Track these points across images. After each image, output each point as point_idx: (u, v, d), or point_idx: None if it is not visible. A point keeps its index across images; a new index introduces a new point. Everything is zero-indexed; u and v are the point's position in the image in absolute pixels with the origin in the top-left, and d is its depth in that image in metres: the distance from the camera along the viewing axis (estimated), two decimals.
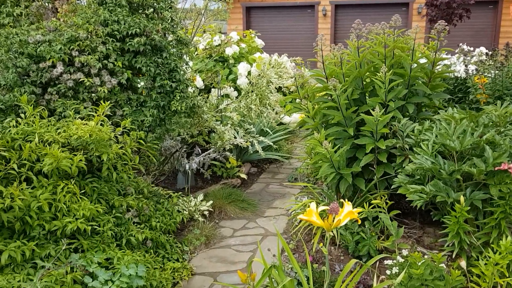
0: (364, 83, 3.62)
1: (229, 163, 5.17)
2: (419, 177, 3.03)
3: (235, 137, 4.52)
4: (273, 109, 4.61)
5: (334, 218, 1.89)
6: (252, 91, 4.49)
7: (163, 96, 3.59)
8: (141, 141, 3.33)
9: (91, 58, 3.25)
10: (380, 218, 3.20)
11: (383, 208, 3.19)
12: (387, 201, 3.39)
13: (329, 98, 3.73)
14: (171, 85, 3.56)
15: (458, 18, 10.65)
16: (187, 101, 3.66)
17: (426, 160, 2.89)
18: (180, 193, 4.03)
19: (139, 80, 3.55)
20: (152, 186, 4.66)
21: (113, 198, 3.01)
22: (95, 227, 2.71)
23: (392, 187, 3.20)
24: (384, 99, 3.37)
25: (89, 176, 3.00)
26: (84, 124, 2.78)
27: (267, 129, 5.50)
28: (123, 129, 3.07)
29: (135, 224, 3.12)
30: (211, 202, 4.21)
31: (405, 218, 3.66)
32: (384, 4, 18.79)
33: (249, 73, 7.01)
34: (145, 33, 3.50)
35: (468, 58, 5.23)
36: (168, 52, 3.64)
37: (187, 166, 4.92)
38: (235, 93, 6.86)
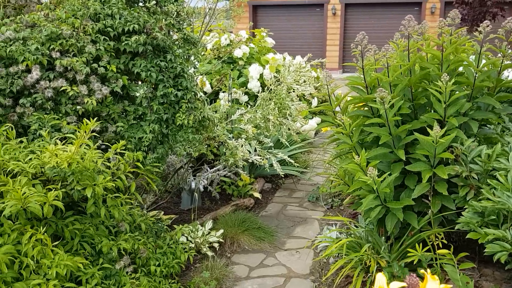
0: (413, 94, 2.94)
1: (241, 180, 4.50)
2: (494, 217, 2.35)
3: (249, 152, 3.86)
4: (294, 120, 3.94)
5: None
6: (269, 99, 3.82)
7: (166, 108, 2.92)
8: (139, 163, 2.67)
9: (77, 61, 2.58)
10: (442, 266, 2.53)
11: (448, 254, 2.51)
12: (443, 240, 2.72)
13: (369, 111, 3.06)
14: (177, 94, 2.90)
15: (492, 18, 9.88)
16: (195, 114, 2.99)
17: (508, 198, 2.22)
18: (186, 224, 3.36)
19: (137, 88, 2.88)
20: (152, 209, 4.01)
21: (100, 241, 2.35)
22: None
23: (455, 228, 2.52)
24: (443, 114, 2.69)
25: (70, 213, 2.33)
26: (62, 150, 2.11)
27: (283, 140, 4.83)
28: (115, 152, 2.40)
29: (129, 273, 2.45)
30: (221, 231, 3.54)
31: (454, 251, 2.98)
32: (396, 3, 18.11)
33: (261, 76, 6.34)
34: (145, 30, 2.83)
35: None
36: (173, 54, 2.97)
37: (193, 185, 4.26)
38: (246, 98, 6.20)
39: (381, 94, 2.57)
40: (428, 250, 2.75)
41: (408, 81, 2.77)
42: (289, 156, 4.99)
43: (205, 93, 5.97)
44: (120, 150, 2.50)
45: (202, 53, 6.06)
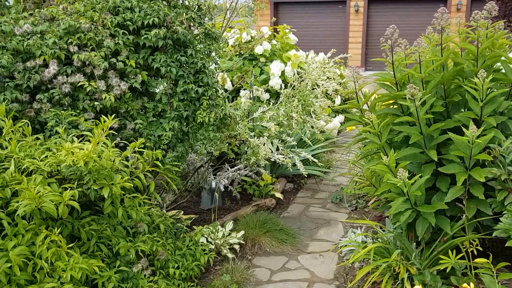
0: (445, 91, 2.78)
1: (262, 179, 4.38)
2: None
3: (271, 151, 3.74)
4: (318, 118, 3.80)
5: None
6: (293, 96, 3.69)
7: (186, 104, 2.82)
8: (158, 162, 2.57)
9: (95, 56, 2.50)
10: (477, 275, 2.37)
11: (486, 264, 2.35)
12: (478, 247, 2.56)
13: (398, 109, 2.91)
14: (197, 91, 2.79)
15: None
16: (216, 111, 2.88)
17: None
18: (206, 225, 3.26)
19: (157, 84, 2.79)
20: (172, 209, 3.93)
21: (118, 242, 2.26)
22: None
23: (493, 234, 2.35)
24: (479, 113, 2.52)
25: (87, 213, 2.25)
26: (79, 148, 2.03)
27: (306, 139, 4.69)
28: (133, 151, 2.31)
29: (147, 276, 2.36)
30: (242, 232, 3.43)
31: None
32: (421, 0, 17.71)
33: (282, 73, 6.21)
34: (165, 24, 2.74)
35: None
36: (194, 49, 2.87)
37: (213, 184, 4.16)
38: (267, 96, 6.07)
39: (411, 90, 2.42)
40: (462, 258, 2.59)
41: (441, 77, 2.61)
42: (312, 156, 4.87)
43: (226, 90, 5.87)
44: (139, 148, 2.41)
45: (223, 49, 5.96)
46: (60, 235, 2.02)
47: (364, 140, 3.02)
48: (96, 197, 2.14)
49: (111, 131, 2.20)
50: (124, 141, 2.57)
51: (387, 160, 2.56)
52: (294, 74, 3.69)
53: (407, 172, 2.41)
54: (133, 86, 2.62)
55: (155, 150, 2.63)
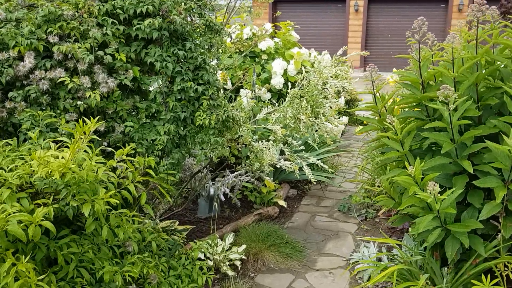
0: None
1: (264, 186, 4.05)
2: None
3: (278, 157, 3.41)
4: (329, 121, 3.47)
5: None
6: (301, 96, 3.36)
7: (184, 105, 2.49)
8: (150, 170, 2.24)
9: (79, 48, 2.16)
10: None
11: None
12: None
13: (422, 113, 2.59)
14: (197, 89, 2.46)
15: None
16: (218, 112, 2.55)
17: None
18: (203, 239, 2.93)
19: (150, 81, 2.45)
20: (166, 218, 3.59)
21: (102, 266, 1.92)
22: None
23: None
24: None
25: (66, 231, 1.91)
26: (55, 156, 1.69)
27: (312, 142, 4.37)
28: (119, 159, 1.97)
29: None
30: (244, 247, 3.10)
31: None
32: (422, 0, 17.43)
33: (285, 71, 5.89)
34: (161, 13, 2.40)
35: None
36: (193, 42, 2.53)
37: (211, 191, 3.83)
38: (268, 95, 5.75)
39: (446, 92, 2.10)
40: (497, 283, 2.28)
41: (476, 77, 2.29)
42: (318, 161, 4.56)
43: (225, 89, 5.55)
44: (129, 154, 2.08)
45: (224, 46, 5.63)
46: (33, 259, 1.69)
47: (384, 147, 2.69)
48: (75, 214, 1.80)
49: (94, 137, 1.86)
50: (111, 149, 2.24)
51: (413, 170, 2.24)
52: (301, 72, 3.35)
53: (438, 186, 2.09)
54: (123, 83, 2.29)
55: (148, 157, 2.30)
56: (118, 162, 2.10)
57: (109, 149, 2.14)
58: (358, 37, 18.18)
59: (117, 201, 1.77)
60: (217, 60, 2.86)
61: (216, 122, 2.52)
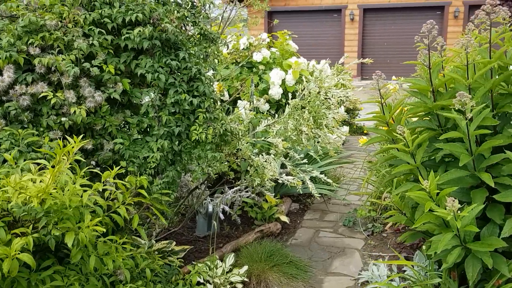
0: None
1: (265, 201, 3.87)
2: None
3: (280, 171, 3.22)
4: (330, 131, 3.30)
5: None
6: (302, 107, 3.20)
7: (178, 119, 2.31)
8: (142, 191, 2.06)
9: (63, 59, 1.99)
10: None
11: None
12: None
13: (433, 122, 2.42)
14: (192, 102, 2.29)
15: None
16: (215, 126, 2.38)
17: None
18: (202, 261, 2.74)
19: (141, 94, 2.28)
20: (163, 238, 3.40)
21: None
22: None
23: None
24: None
25: (49, 262, 1.73)
26: (33, 181, 1.51)
27: (313, 154, 4.20)
28: (104, 184, 1.79)
29: None
30: (245, 268, 2.91)
31: None
32: (417, 7, 17.42)
33: (283, 81, 5.73)
34: (152, 21, 2.24)
35: None
36: (187, 51, 2.37)
37: (210, 208, 3.65)
38: (267, 106, 5.59)
39: (463, 99, 1.93)
40: None
41: (492, 84, 2.12)
42: (320, 173, 4.39)
43: (222, 101, 5.39)
44: (120, 173, 1.90)
45: (219, 55, 5.47)
46: None
47: (393, 159, 2.52)
48: (59, 242, 1.62)
49: (77, 157, 1.68)
50: (101, 167, 2.06)
51: (427, 185, 2.07)
52: (300, 82, 3.19)
53: (457, 201, 1.92)
54: (112, 96, 2.12)
55: (140, 176, 2.12)
56: (108, 182, 1.92)
57: (96, 171, 1.96)
58: (354, 46, 18.13)
59: (104, 230, 1.58)
60: (213, 70, 2.69)
61: (213, 137, 2.35)
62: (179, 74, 2.32)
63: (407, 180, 2.72)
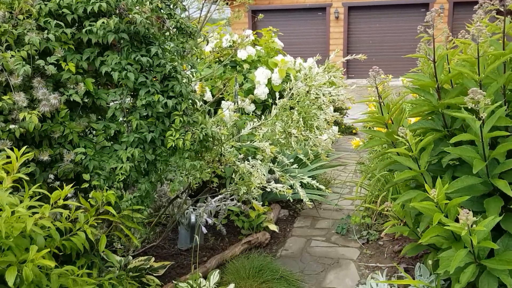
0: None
1: (253, 209, 3.60)
2: None
3: (264, 175, 2.95)
4: (322, 133, 3.04)
5: None
6: (291, 108, 2.93)
7: (151, 123, 2.03)
8: (110, 208, 1.77)
9: (12, 56, 1.70)
10: None
11: None
12: None
13: (437, 122, 2.17)
14: (166, 104, 2.01)
15: None
16: (194, 130, 2.10)
17: None
18: (184, 279, 2.46)
19: (108, 96, 1.99)
20: (142, 252, 3.12)
21: None
22: None
23: None
24: None
25: None
26: None
27: (303, 157, 3.94)
28: (53, 206, 1.50)
29: None
30: (232, 286, 2.64)
31: None
32: (402, 5, 17.29)
33: (269, 81, 5.47)
34: (118, 12, 1.95)
35: None
36: (160, 46, 2.09)
37: (192, 218, 3.36)
38: (252, 107, 5.32)
39: (476, 96, 1.68)
40: None
41: (506, 79, 1.88)
42: (311, 177, 4.14)
43: (205, 102, 5.10)
44: (84, 188, 1.61)
45: (198, 51, 5.18)
46: None
47: (394, 164, 2.27)
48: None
49: (21, 175, 1.39)
50: (60, 183, 1.77)
51: (435, 194, 1.82)
52: (288, 81, 2.93)
53: (471, 214, 1.67)
54: (72, 99, 1.82)
55: (107, 190, 1.83)
56: (69, 198, 1.63)
57: (60, 180, 1.66)
58: (340, 44, 17.95)
59: (52, 265, 1.29)
60: (191, 67, 2.41)
61: (192, 143, 2.06)
62: (151, 72, 2.03)
63: (407, 186, 2.47)
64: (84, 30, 1.88)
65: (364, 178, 3.79)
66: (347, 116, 7.81)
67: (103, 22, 1.86)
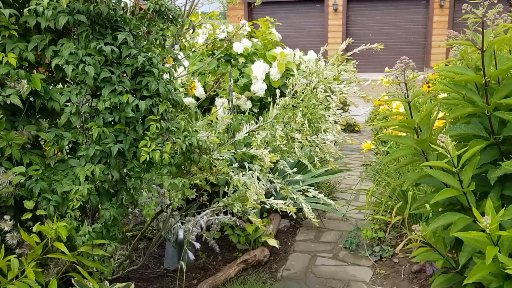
0: None
1: (249, 222, 3.16)
2: None
3: (267, 187, 2.51)
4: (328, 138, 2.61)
5: None
6: (294, 107, 2.49)
7: (119, 131, 1.58)
8: (61, 245, 1.33)
9: None
10: None
11: None
12: None
13: (480, 128, 1.74)
14: (138, 106, 1.56)
15: None
16: (175, 140, 1.65)
17: None
18: None
19: (61, 96, 1.54)
20: (123, 277, 2.68)
21: None
22: None
23: None
24: None
25: None
26: None
27: (306, 162, 3.50)
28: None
29: None
30: None
31: None
32: None
33: (267, 76, 5.02)
34: None
35: None
36: (131, 32, 1.64)
37: (180, 234, 2.93)
38: (249, 104, 4.87)
39: None
40: None
41: None
42: (315, 184, 3.74)
43: (197, 99, 4.66)
44: (27, 218, 1.17)
45: (193, 49, 4.72)
46: None
47: (425, 178, 1.83)
48: None
49: None
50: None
51: (487, 222, 1.39)
52: (288, 76, 2.48)
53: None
54: (11, 102, 1.37)
55: (58, 221, 1.39)
56: (6, 233, 1.20)
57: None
58: (339, 37, 17.54)
59: None
60: (174, 61, 1.96)
61: (172, 156, 1.62)
62: (118, 65, 1.58)
63: (438, 203, 2.04)
64: (26, 10, 1.43)
65: (374, 186, 3.35)
66: (349, 112, 7.39)
67: (51, 0, 1.41)
